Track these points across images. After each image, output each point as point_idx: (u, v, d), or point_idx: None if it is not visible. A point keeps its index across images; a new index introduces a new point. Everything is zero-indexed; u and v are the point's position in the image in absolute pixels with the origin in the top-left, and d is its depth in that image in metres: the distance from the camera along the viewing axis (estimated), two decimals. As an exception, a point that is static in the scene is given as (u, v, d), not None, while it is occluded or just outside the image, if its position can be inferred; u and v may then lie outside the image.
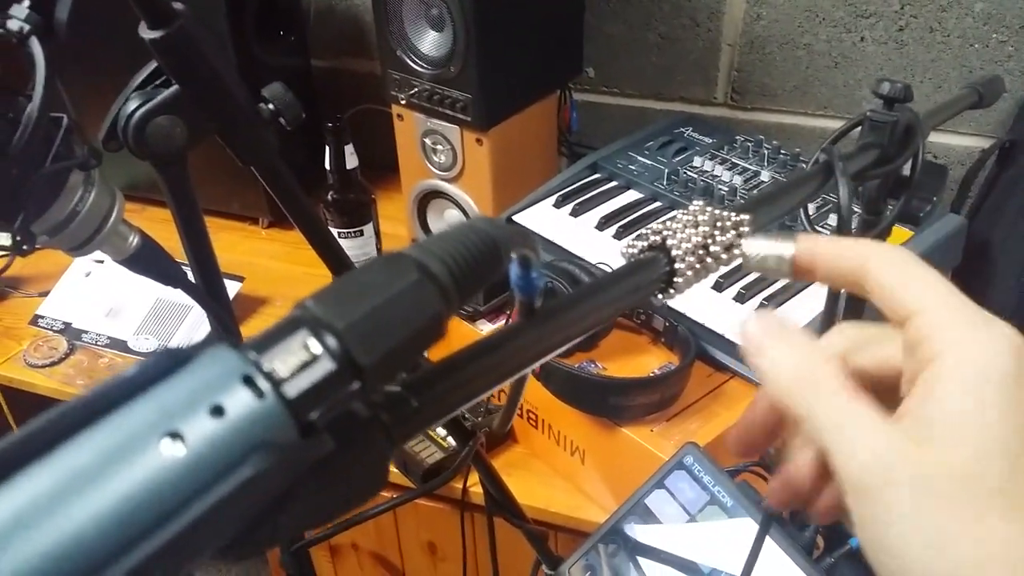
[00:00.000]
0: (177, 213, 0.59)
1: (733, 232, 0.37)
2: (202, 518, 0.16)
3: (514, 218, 1.17)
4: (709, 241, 0.36)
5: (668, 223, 0.37)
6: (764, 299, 1.00)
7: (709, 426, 0.90)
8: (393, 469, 1.03)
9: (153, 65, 0.55)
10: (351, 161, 1.16)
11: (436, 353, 0.27)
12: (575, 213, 1.16)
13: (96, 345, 1.21)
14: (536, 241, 0.26)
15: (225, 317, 0.63)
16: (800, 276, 0.35)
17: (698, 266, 0.36)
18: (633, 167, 1.21)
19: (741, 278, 1.03)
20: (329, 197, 1.18)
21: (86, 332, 1.22)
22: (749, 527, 0.76)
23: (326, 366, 0.18)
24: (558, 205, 1.18)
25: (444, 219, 1.30)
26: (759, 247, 0.36)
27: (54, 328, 1.23)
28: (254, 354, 0.18)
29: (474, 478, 1.00)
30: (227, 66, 0.56)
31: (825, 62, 1.28)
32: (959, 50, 1.21)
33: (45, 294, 1.27)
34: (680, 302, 1.00)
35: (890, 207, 0.65)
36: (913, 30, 1.22)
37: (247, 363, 0.17)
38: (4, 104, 0.50)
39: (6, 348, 1.22)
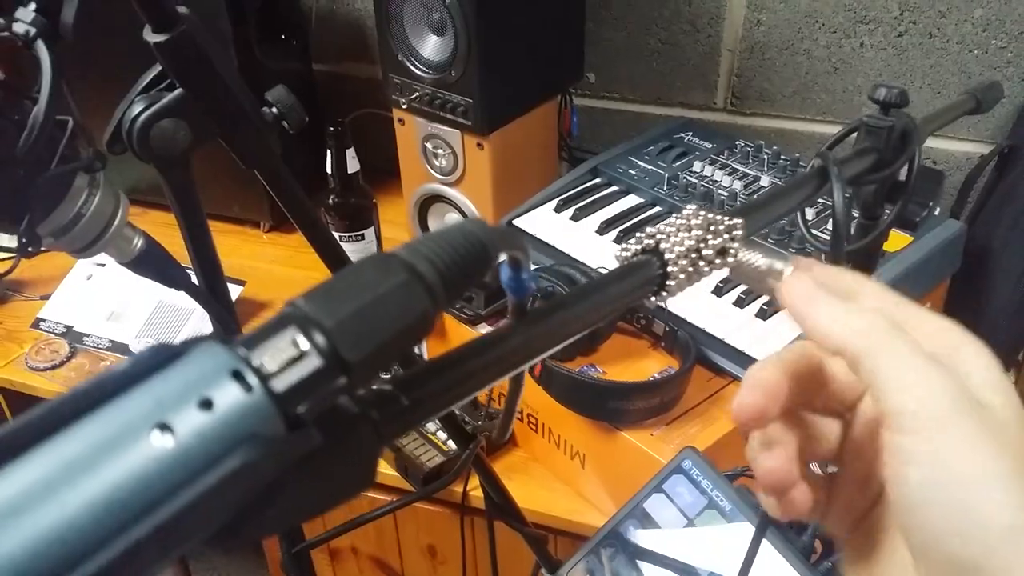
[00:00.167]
0: (181, 216, 0.59)
1: (726, 236, 0.37)
2: (190, 507, 0.16)
3: (515, 222, 1.17)
4: (702, 245, 0.37)
5: (662, 226, 0.37)
6: (764, 304, 1.00)
7: (709, 430, 0.91)
8: (393, 472, 1.03)
9: (157, 68, 0.56)
10: (352, 165, 1.16)
11: (435, 354, 0.27)
12: (575, 218, 1.16)
13: (98, 348, 1.21)
14: (525, 242, 0.26)
15: (228, 319, 0.64)
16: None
17: (691, 269, 0.36)
18: (633, 172, 1.21)
19: (742, 283, 1.03)
20: (330, 201, 1.19)
21: (88, 335, 1.23)
22: (747, 531, 0.76)
23: (313, 362, 0.19)
24: (559, 210, 1.18)
25: (445, 223, 1.30)
26: (753, 256, 0.37)
27: (56, 331, 1.24)
28: (243, 350, 0.18)
29: (474, 482, 1.00)
30: (230, 70, 0.56)
31: (825, 67, 1.28)
32: (958, 56, 1.21)
33: (47, 297, 1.28)
34: (680, 307, 1.00)
35: (887, 211, 0.66)
36: (912, 36, 1.22)
37: (236, 358, 0.18)
38: (10, 107, 0.50)
39: (8, 351, 1.23)
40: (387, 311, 0.20)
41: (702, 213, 0.38)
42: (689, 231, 0.37)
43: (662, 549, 0.78)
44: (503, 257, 0.26)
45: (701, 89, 1.37)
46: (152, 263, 0.61)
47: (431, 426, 1.05)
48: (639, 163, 1.23)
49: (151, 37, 0.53)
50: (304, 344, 0.19)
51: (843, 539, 0.36)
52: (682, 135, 1.28)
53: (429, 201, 1.29)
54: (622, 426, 0.91)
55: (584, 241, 1.12)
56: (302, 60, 1.44)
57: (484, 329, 1.06)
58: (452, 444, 1.02)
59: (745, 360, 0.95)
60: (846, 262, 0.60)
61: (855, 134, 0.64)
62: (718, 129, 1.35)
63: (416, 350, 0.99)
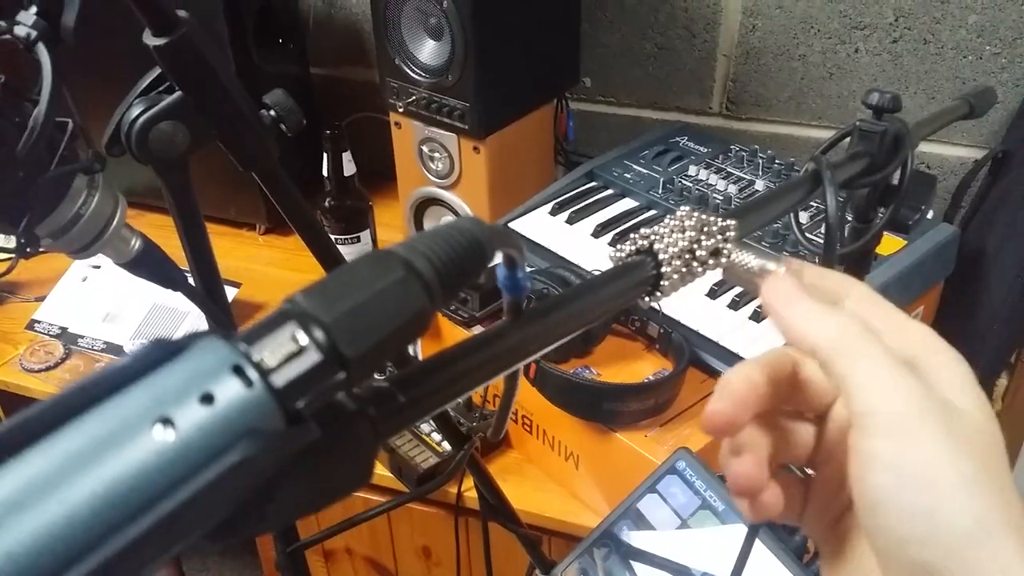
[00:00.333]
0: (178, 217, 0.60)
1: (719, 237, 0.38)
2: (191, 500, 0.16)
3: (511, 225, 1.18)
4: (695, 246, 0.37)
5: (656, 228, 0.38)
6: (758, 307, 1.01)
7: (702, 432, 0.91)
8: (388, 473, 1.03)
9: (156, 71, 0.56)
10: (349, 168, 1.17)
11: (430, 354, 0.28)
12: (571, 221, 1.17)
13: (92, 350, 1.21)
14: (520, 240, 0.27)
15: (224, 321, 0.64)
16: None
17: (684, 270, 0.37)
18: (629, 175, 1.22)
19: (735, 285, 1.03)
20: (327, 204, 1.19)
21: (82, 337, 1.23)
22: (740, 531, 0.76)
23: (312, 357, 0.19)
24: (554, 213, 1.18)
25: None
26: (746, 257, 0.37)
27: (50, 333, 1.24)
28: (244, 345, 0.19)
29: (468, 483, 1.00)
30: (229, 73, 0.57)
31: (820, 73, 1.29)
32: (953, 62, 1.22)
33: (42, 299, 1.28)
34: (674, 309, 1.01)
35: (880, 215, 0.66)
36: (907, 42, 1.23)
37: (237, 353, 0.18)
38: (11, 109, 0.51)
39: (2, 352, 1.22)
40: (385, 307, 0.20)
41: (696, 214, 0.38)
42: (683, 232, 0.37)
43: (656, 549, 0.78)
44: (499, 256, 0.26)
45: (697, 94, 1.38)
46: (149, 264, 0.62)
47: (425, 427, 1.05)
48: (635, 167, 1.23)
49: (150, 40, 0.53)
50: (303, 339, 0.19)
51: (820, 540, 0.36)
52: (677, 139, 1.29)
53: (425, 204, 1.29)
54: (616, 427, 0.92)
55: (579, 244, 1.13)
56: (299, 64, 1.44)
57: (479, 331, 1.06)
58: (446, 445, 1.02)
59: (738, 362, 0.96)
60: (839, 265, 0.60)
61: (848, 138, 0.65)
62: (713, 134, 1.35)
63: (411, 351, 0.99)
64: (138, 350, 0.18)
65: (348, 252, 1.23)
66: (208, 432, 0.17)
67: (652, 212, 1.17)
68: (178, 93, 0.56)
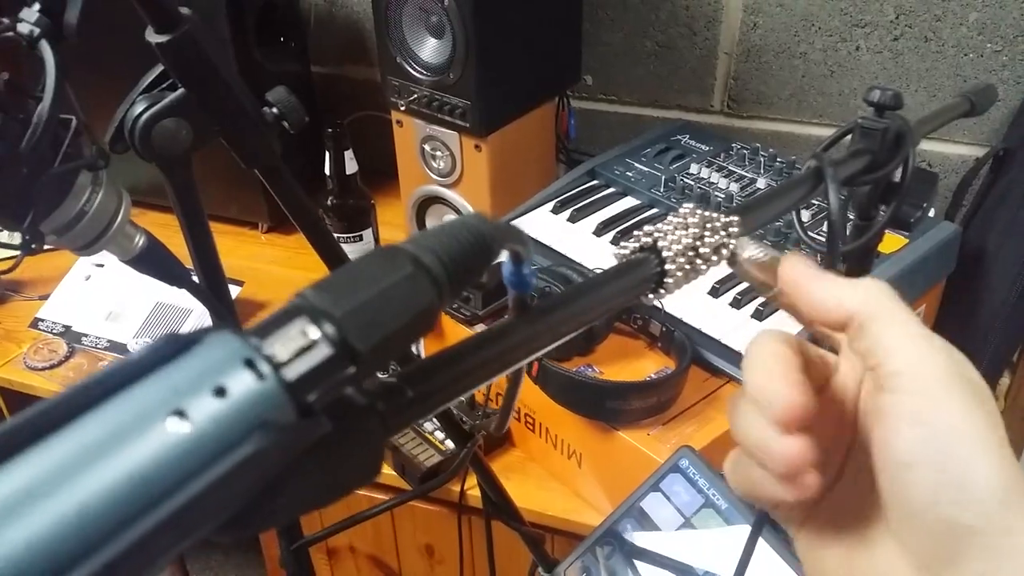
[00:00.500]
0: (182, 215, 0.60)
1: (723, 233, 0.38)
2: (205, 492, 0.17)
3: (513, 223, 1.18)
4: (699, 243, 0.37)
5: (659, 225, 0.38)
6: (760, 305, 1.01)
7: (705, 430, 0.91)
8: (391, 472, 1.04)
9: (159, 68, 0.56)
10: (351, 166, 1.17)
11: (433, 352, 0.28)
12: (573, 219, 1.17)
13: (96, 348, 1.21)
14: (526, 236, 0.27)
15: (228, 318, 0.64)
16: (782, 291, 0.35)
17: (688, 267, 0.37)
18: (630, 174, 1.22)
19: (737, 284, 1.03)
20: (329, 202, 1.19)
21: (86, 335, 1.23)
22: (744, 530, 0.76)
23: (324, 351, 0.19)
24: (556, 211, 1.19)
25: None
26: (752, 250, 0.37)
27: (54, 331, 1.24)
28: (255, 339, 0.19)
29: (471, 481, 1.01)
30: (232, 70, 0.57)
31: (821, 71, 1.29)
32: (954, 59, 1.22)
33: (45, 297, 1.28)
34: (676, 307, 1.01)
35: (882, 212, 0.66)
36: (908, 39, 1.23)
37: (248, 347, 0.18)
38: (15, 105, 0.51)
39: (6, 351, 1.23)
40: (394, 302, 0.20)
41: (699, 211, 0.38)
42: (686, 229, 0.37)
43: (659, 548, 0.79)
44: (503, 253, 0.27)
45: (698, 92, 1.38)
46: (153, 261, 0.62)
47: (428, 425, 1.05)
48: (636, 165, 1.23)
49: (153, 38, 0.53)
50: (314, 333, 0.19)
51: (798, 523, 0.36)
52: (679, 137, 1.29)
53: (427, 202, 1.29)
54: (619, 426, 0.92)
55: (581, 242, 1.13)
56: (300, 62, 1.45)
57: (482, 329, 1.06)
58: (449, 443, 1.02)
59: (741, 360, 0.96)
60: (842, 263, 0.60)
61: (849, 136, 0.65)
62: (715, 132, 1.35)
63: (414, 350, 0.99)
64: (151, 344, 0.18)
65: (350, 251, 1.23)
66: (222, 424, 0.17)
67: (654, 210, 1.18)
68: (181, 90, 0.56)
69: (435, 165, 1.24)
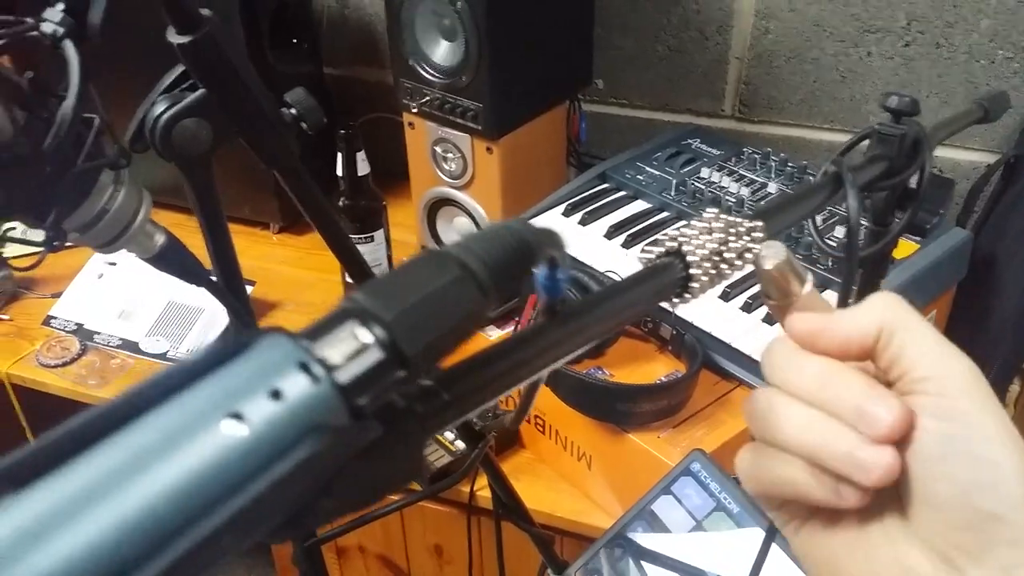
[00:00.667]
0: (201, 214, 0.60)
1: (747, 239, 0.38)
2: (263, 495, 0.17)
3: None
4: (723, 248, 0.38)
5: (683, 230, 0.38)
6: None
7: (715, 433, 0.91)
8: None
9: (180, 69, 0.57)
10: (363, 168, 1.17)
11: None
12: (584, 222, 1.17)
13: (108, 346, 1.22)
14: (564, 242, 0.27)
15: (245, 316, 0.65)
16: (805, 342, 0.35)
17: (713, 272, 0.37)
18: (641, 177, 1.22)
19: (748, 288, 1.04)
20: (340, 203, 1.20)
21: (98, 333, 1.23)
22: (755, 534, 0.77)
23: (375, 355, 0.19)
24: (567, 214, 1.19)
25: (453, 226, 1.31)
26: (776, 259, 0.37)
27: (67, 329, 1.25)
28: (307, 342, 0.19)
29: (480, 482, 1.01)
30: (251, 71, 0.57)
31: (832, 76, 1.29)
32: (965, 66, 1.22)
33: (58, 295, 1.29)
34: (687, 310, 1.01)
35: (897, 219, 0.67)
36: (920, 46, 1.23)
37: (302, 350, 0.19)
38: (39, 104, 0.51)
39: (19, 348, 1.23)
40: (442, 306, 0.21)
41: (723, 216, 0.39)
42: (711, 234, 0.38)
43: (670, 551, 0.79)
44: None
45: (709, 96, 1.38)
46: (173, 259, 0.62)
47: (439, 427, 1.05)
48: (647, 168, 1.24)
49: (174, 38, 0.53)
50: (366, 337, 0.19)
51: (800, 522, 0.36)
52: (690, 141, 1.29)
53: (438, 204, 1.30)
54: (629, 428, 0.92)
55: (592, 245, 1.13)
56: (313, 64, 1.45)
57: (492, 331, 1.07)
58: (459, 444, 1.02)
59: (751, 364, 0.96)
60: (859, 268, 0.61)
61: (864, 142, 0.65)
62: (726, 136, 1.35)
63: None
64: (206, 347, 0.18)
65: (362, 252, 1.23)
66: (278, 427, 0.17)
67: (665, 214, 1.18)
68: (201, 91, 0.57)
69: (446, 167, 1.24)
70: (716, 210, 0.39)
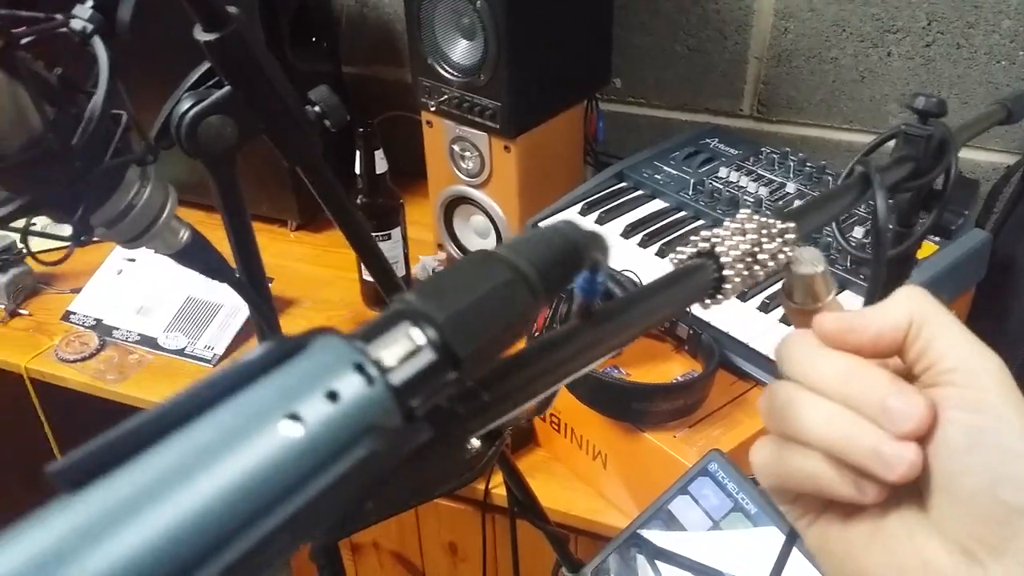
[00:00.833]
0: (225, 211, 0.60)
1: (779, 240, 0.38)
2: (320, 496, 0.17)
3: (540, 225, 1.18)
4: (756, 249, 0.37)
5: (717, 230, 0.38)
6: (789, 310, 1.00)
7: (732, 433, 0.91)
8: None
9: (206, 66, 0.57)
10: (381, 166, 1.17)
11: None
12: (601, 221, 1.17)
13: (126, 341, 1.23)
14: (608, 245, 0.27)
15: (267, 312, 0.65)
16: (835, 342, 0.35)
17: (745, 273, 0.37)
18: (659, 177, 1.22)
19: (765, 288, 1.03)
20: (358, 201, 1.20)
21: (117, 328, 1.24)
22: (773, 535, 0.76)
23: (428, 356, 0.19)
24: (584, 213, 1.19)
25: (470, 225, 1.32)
26: (819, 264, 0.37)
27: (85, 324, 1.25)
28: (361, 343, 0.19)
29: (495, 480, 1.01)
30: (276, 69, 0.57)
31: (852, 76, 1.29)
32: (985, 67, 1.21)
33: (77, 291, 1.30)
34: (704, 310, 1.01)
35: (922, 220, 0.66)
36: (940, 46, 1.22)
37: (357, 351, 0.19)
38: (68, 101, 0.51)
39: (38, 343, 1.24)
40: (493, 308, 0.21)
41: (756, 217, 0.38)
42: (744, 235, 0.38)
43: (687, 551, 0.79)
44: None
45: (728, 96, 1.37)
46: (197, 255, 0.62)
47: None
48: (665, 168, 1.23)
49: (201, 36, 0.53)
50: (419, 339, 0.19)
51: (814, 517, 0.36)
52: (708, 141, 1.29)
53: (455, 203, 1.30)
54: (645, 427, 0.92)
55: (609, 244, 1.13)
56: (332, 62, 1.45)
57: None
58: (474, 441, 1.02)
59: (769, 364, 0.96)
60: (887, 269, 0.60)
61: (887, 142, 0.65)
62: (744, 136, 1.35)
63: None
64: (262, 347, 0.18)
65: (379, 249, 1.23)
66: (335, 428, 0.17)
67: (682, 213, 1.18)
68: (227, 88, 0.57)
69: (464, 166, 1.24)
70: (749, 211, 0.39)
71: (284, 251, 1.41)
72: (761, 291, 1.03)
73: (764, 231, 0.38)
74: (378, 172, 1.17)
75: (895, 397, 0.31)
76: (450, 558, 1.17)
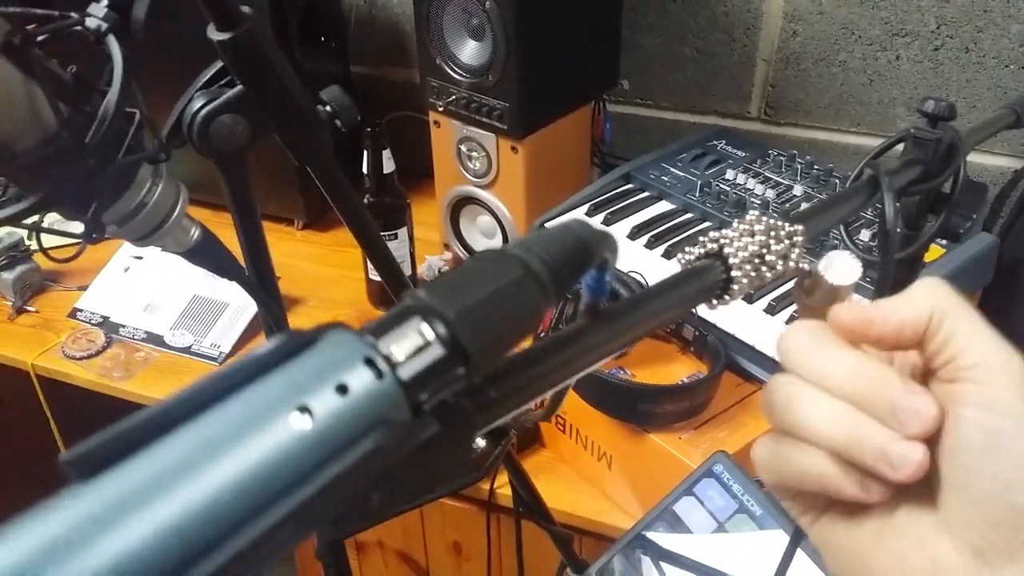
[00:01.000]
0: (235, 209, 0.61)
1: (787, 242, 0.38)
2: (328, 487, 0.17)
3: (547, 225, 1.18)
4: (765, 250, 0.38)
5: (725, 231, 0.38)
6: (795, 312, 1.00)
7: (737, 435, 0.91)
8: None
9: (218, 65, 0.57)
10: (388, 166, 1.17)
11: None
12: (607, 222, 1.17)
13: (133, 339, 1.23)
14: (618, 246, 0.27)
15: (276, 311, 0.65)
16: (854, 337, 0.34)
17: (753, 274, 0.37)
18: (666, 178, 1.22)
19: (772, 290, 1.03)
20: (366, 200, 1.20)
21: (123, 326, 1.25)
22: (778, 537, 0.76)
23: (437, 351, 0.20)
24: (590, 214, 1.19)
25: (476, 225, 1.32)
26: (855, 274, 0.37)
27: (92, 321, 1.26)
28: (371, 338, 0.19)
29: (500, 479, 1.01)
30: (288, 69, 0.58)
31: (860, 79, 1.29)
32: (994, 71, 1.21)
33: (84, 288, 1.30)
34: (710, 312, 1.01)
35: (929, 223, 0.66)
36: (949, 50, 1.22)
37: (367, 346, 0.19)
38: (82, 98, 0.52)
39: (45, 340, 1.25)
40: (504, 305, 0.21)
41: (764, 219, 0.39)
42: (752, 236, 0.38)
43: (691, 553, 0.79)
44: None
45: (735, 98, 1.38)
46: (207, 254, 0.63)
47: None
48: (672, 169, 1.24)
49: (215, 35, 0.54)
50: (429, 334, 0.20)
51: (817, 513, 0.35)
52: (715, 143, 1.29)
53: (462, 203, 1.30)
54: (650, 429, 0.92)
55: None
56: (341, 62, 1.46)
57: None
58: (479, 441, 1.03)
59: (775, 367, 0.96)
60: (894, 272, 0.60)
61: (895, 145, 0.65)
62: (752, 138, 1.35)
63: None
64: (273, 340, 0.19)
65: (386, 248, 1.24)
66: (344, 420, 0.18)
67: (689, 215, 1.18)
68: (239, 87, 0.57)
69: (471, 166, 1.24)
70: (757, 212, 0.39)
71: (290, 250, 1.42)
72: (768, 293, 1.03)
73: (773, 233, 0.38)
74: (385, 172, 1.17)
75: (906, 397, 0.30)
76: (455, 558, 1.17)
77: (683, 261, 0.37)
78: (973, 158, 1.28)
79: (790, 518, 0.36)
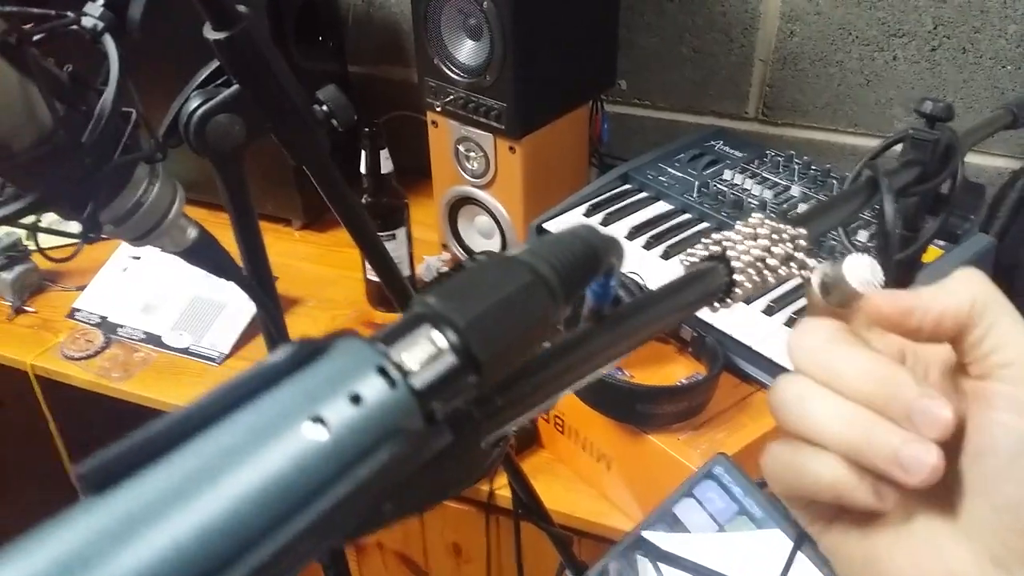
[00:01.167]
0: (232, 209, 0.61)
1: (790, 245, 0.38)
2: (345, 498, 0.17)
3: (544, 226, 1.18)
4: (767, 254, 0.37)
5: (728, 234, 0.38)
6: (793, 312, 1.01)
7: (736, 436, 0.91)
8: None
9: (215, 64, 0.57)
10: (386, 166, 1.17)
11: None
12: (605, 222, 1.17)
13: (132, 339, 1.23)
14: (623, 249, 0.27)
15: (274, 312, 0.65)
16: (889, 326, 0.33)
17: (756, 278, 0.37)
18: (664, 179, 1.22)
19: (770, 290, 1.03)
20: (363, 200, 1.20)
21: (122, 326, 1.24)
22: (778, 538, 0.76)
23: (449, 360, 0.19)
24: (588, 214, 1.19)
25: (474, 225, 1.32)
26: (878, 279, 0.36)
27: (91, 321, 1.26)
28: (382, 346, 0.19)
29: (499, 481, 1.01)
30: (284, 68, 0.57)
31: (857, 80, 1.29)
32: (991, 71, 1.21)
33: (83, 288, 1.30)
34: (708, 312, 1.01)
35: (928, 223, 0.66)
36: (946, 50, 1.22)
37: (379, 354, 0.19)
38: (78, 98, 0.51)
39: (44, 340, 1.24)
40: (513, 312, 0.21)
41: (768, 222, 0.38)
42: (755, 239, 0.38)
43: (692, 555, 0.78)
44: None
45: (733, 98, 1.38)
46: (205, 254, 0.62)
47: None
48: (669, 170, 1.24)
49: (211, 34, 0.54)
50: (441, 342, 0.19)
51: (827, 522, 0.34)
52: (713, 143, 1.29)
53: (459, 203, 1.30)
54: (649, 430, 0.92)
55: (614, 246, 1.13)
56: (338, 62, 1.45)
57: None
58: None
59: (773, 368, 0.96)
60: (893, 272, 0.60)
61: (893, 146, 0.65)
62: (749, 138, 1.35)
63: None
64: (284, 349, 0.19)
65: (383, 249, 1.23)
66: (358, 431, 0.17)
67: (687, 215, 1.18)
68: (235, 86, 0.57)
69: (469, 166, 1.24)
70: (761, 215, 0.39)
71: (288, 250, 1.41)
72: (766, 294, 1.03)
73: (776, 236, 0.38)
74: (383, 172, 1.17)
75: (924, 399, 0.29)
76: (454, 559, 1.17)
77: (686, 263, 0.37)
78: (970, 159, 1.28)
79: (796, 524, 0.35)
